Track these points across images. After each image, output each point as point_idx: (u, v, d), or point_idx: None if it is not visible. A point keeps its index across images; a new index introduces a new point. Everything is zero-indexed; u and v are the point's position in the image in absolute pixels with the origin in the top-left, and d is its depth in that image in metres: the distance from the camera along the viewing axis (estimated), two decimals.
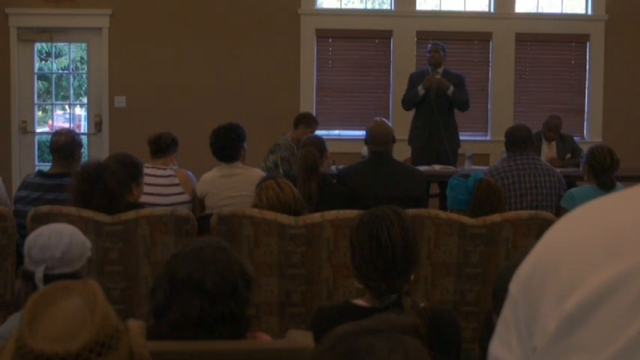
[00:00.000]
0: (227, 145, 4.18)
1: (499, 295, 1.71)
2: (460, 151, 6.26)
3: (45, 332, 1.33)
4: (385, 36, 7.54)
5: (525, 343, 0.77)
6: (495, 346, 0.82)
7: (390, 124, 4.62)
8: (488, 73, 7.63)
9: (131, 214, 3.30)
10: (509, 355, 0.79)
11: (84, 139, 6.60)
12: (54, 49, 7.85)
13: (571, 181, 5.13)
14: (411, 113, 6.30)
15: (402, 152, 5.36)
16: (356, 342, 1.01)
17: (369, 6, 7.83)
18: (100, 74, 7.40)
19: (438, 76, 6.05)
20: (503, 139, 4.62)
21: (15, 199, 3.97)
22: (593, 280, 0.71)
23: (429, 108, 6.05)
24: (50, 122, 8.26)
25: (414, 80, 6.19)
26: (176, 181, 4.18)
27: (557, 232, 0.82)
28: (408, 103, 6.20)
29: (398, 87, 6.48)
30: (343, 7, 7.73)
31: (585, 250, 0.75)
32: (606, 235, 0.75)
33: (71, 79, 8.05)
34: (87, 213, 3.25)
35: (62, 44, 7.91)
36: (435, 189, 5.86)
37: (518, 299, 0.80)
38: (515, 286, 0.82)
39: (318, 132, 6.11)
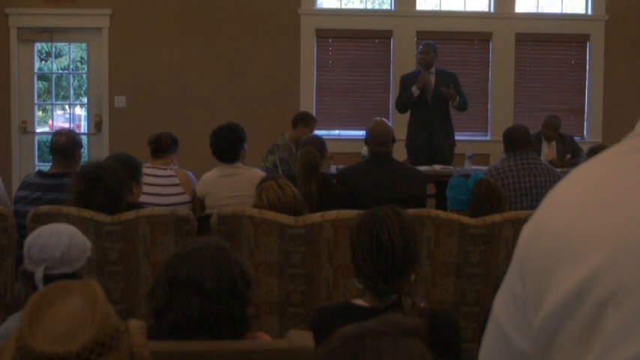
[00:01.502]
0: (227, 145, 4.17)
1: None
2: (460, 151, 6.26)
3: (45, 332, 1.33)
4: (385, 36, 7.54)
5: (522, 316, 0.72)
6: (498, 306, 0.78)
7: (389, 124, 4.62)
8: (488, 73, 7.62)
9: (131, 214, 3.30)
10: (508, 321, 0.75)
11: (84, 139, 6.60)
12: (54, 49, 7.85)
13: None
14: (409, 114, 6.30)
15: (398, 153, 5.34)
16: (361, 344, 1.01)
17: (369, 6, 7.83)
18: (100, 74, 7.40)
19: (431, 76, 6.05)
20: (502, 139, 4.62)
21: (15, 199, 3.97)
22: (565, 282, 0.65)
23: (425, 108, 6.04)
24: (50, 122, 8.25)
25: (406, 82, 6.17)
26: (176, 181, 4.18)
27: (552, 196, 0.75)
28: (402, 105, 6.19)
29: (398, 87, 6.47)
30: (343, 7, 7.72)
31: (564, 233, 0.68)
32: (588, 214, 0.67)
33: (71, 79, 8.05)
34: (87, 213, 3.25)
35: (62, 44, 7.90)
36: (431, 189, 5.85)
37: (516, 267, 0.75)
38: (516, 255, 0.77)
39: (317, 132, 6.10)
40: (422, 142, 6.07)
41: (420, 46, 6.23)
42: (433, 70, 6.10)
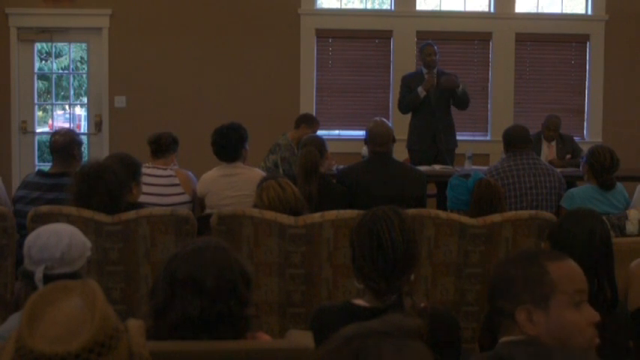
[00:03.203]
0: (229, 144, 4.17)
1: (496, 289, 1.70)
2: (460, 151, 6.26)
3: (44, 332, 1.33)
4: (385, 36, 7.54)
5: None
6: None
7: (389, 124, 4.62)
8: (488, 73, 7.63)
9: (131, 214, 3.30)
10: None
11: (84, 139, 6.60)
12: (54, 49, 7.85)
13: (571, 181, 5.12)
14: (410, 114, 6.29)
15: (398, 153, 5.34)
16: (363, 344, 1.01)
17: (369, 6, 7.83)
18: (100, 74, 7.40)
19: (434, 76, 6.04)
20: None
21: (15, 198, 3.96)
22: None
23: (429, 109, 6.04)
24: (50, 122, 8.25)
25: (408, 82, 6.16)
26: (176, 181, 4.18)
27: None
28: (407, 106, 6.16)
29: (398, 87, 6.47)
30: (343, 7, 7.73)
31: None
32: None
33: (71, 79, 8.05)
34: (87, 213, 3.25)
35: (62, 44, 7.91)
36: (432, 189, 5.85)
37: None
38: None
39: (318, 132, 6.11)
40: (425, 143, 6.06)
41: (423, 47, 6.19)
42: (435, 70, 6.10)
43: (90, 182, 3.28)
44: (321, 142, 4.45)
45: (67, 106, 8.21)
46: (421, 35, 7.35)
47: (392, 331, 1.07)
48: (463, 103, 6.07)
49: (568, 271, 1.64)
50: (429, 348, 1.11)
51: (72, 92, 8.00)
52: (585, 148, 4.92)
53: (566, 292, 1.60)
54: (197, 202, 4.24)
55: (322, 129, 6.90)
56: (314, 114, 6.81)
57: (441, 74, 6.12)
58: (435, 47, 6.14)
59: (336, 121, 7.62)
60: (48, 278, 2.11)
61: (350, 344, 1.03)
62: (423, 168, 5.26)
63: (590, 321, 1.61)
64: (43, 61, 7.94)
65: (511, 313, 1.62)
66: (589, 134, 7.67)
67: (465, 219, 3.27)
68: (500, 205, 3.42)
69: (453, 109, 6.22)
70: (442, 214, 3.31)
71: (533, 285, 1.61)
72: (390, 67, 7.53)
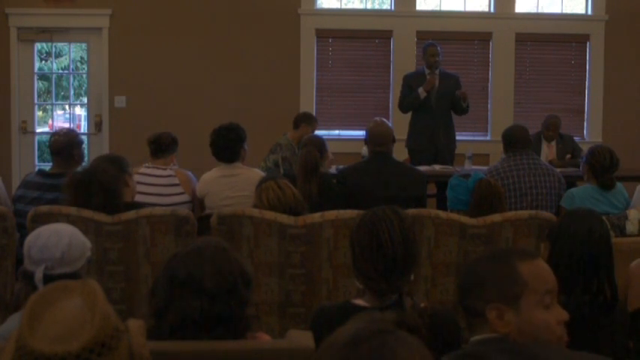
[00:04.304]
0: (227, 145, 4.17)
1: (466, 288, 1.70)
2: (460, 151, 6.27)
3: (45, 332, 1.33)
4: (385, 36, 7.54)
5: None
6: None
7: (389, 124, 4.61)
8: (488, 73, 7.62)
9: (131, 214, 3.30)
10: None
11: (84, 139, 6.60)
12: (54, 49, 7.85)
13: (571, 181, 5.12)
14: (410, 114, 6.29)
15: (398, 153, 5.34)
16: (370, 344, 1.01)
17: (369, 6, 7.83)
18: (100, 74, 7.40)
19: (436, 77, 6.04)
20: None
21: (14, 197, 3.97)
22: None
23: (429, 109, 6.05)
24: (50, 122, 8.25)
25: (410, 82, 6.17)
26: (176, 181, 4.18)
27: None
28: (407, 105, 6.17)
29: (398, 87, 6.48)
30: (343, 7, 7.73)
31: None
32: None
33: (71, 79, 8.05)
34: (87, 213, 3.25)
35: (62, 44, 7.91)
36: (432, 189, 5.84)
37: None
38: None
39: (318, 132, 6.11)
40: (425, 143, 6.07)
41: (427, 47, 6.19)
42: (437, 71, 6.11)
43: (85, 187, 3.29)
44: (321, 142, 4.46)
45: (67, 106, 8.21)
46: (421, 35, 7.36)
47: (391, 329, 1.07)
48: (464, 111, 6.14)
49: (538, 271, 1.63)
50: (429, 348, 1.11)
51: (72, 92, 8.00)
52: (585, 148, 4.92)
53: (537, 291, 1.59)
54: (197, 203, 4.24)
55: (322, 129, 6.90)
56: (314, 114, 6.81)
57: (443, 75, 6.12)
58: (439, 48, 6.14)
59: (336, 121, 7.62)
60: (48, 278, 2.11)
61: (364, 344, 1.02)
62: (423, 168, 5.26)
63: (559, 320, 1.60)
64: (43, 61, 7.94)
65: (481, 312, 1.61)
66: (589, 134, 7.67)
67: (465, 219, 3.27)
68: (500, 205, 3.42)
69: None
70: (442, 214, 3.31)
71: (504, 284, 1.60)
72: (390, 67, 7.53)
